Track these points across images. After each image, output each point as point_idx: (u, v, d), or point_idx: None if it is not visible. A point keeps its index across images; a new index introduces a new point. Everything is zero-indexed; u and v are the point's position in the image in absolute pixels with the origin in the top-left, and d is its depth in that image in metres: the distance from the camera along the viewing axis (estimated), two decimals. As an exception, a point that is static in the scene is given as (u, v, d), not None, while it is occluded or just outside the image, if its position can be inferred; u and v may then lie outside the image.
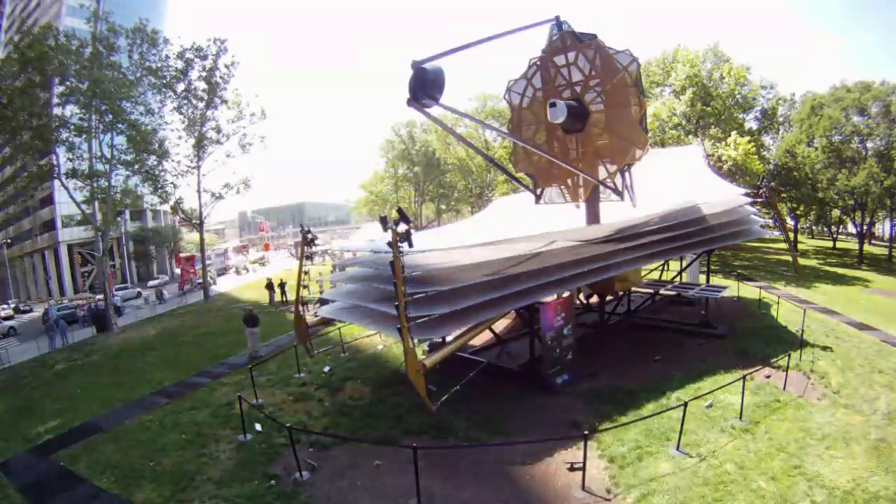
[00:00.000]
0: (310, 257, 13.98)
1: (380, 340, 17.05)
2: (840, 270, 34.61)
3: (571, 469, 8.64)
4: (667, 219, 14.30)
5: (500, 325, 15.92)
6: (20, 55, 21.22)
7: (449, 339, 11.68)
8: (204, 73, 29.62)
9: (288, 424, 9.78)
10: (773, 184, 37.09)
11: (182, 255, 51.76)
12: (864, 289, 27.92)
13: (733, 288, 21.35)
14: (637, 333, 15.57)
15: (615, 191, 14.29)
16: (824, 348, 14.00)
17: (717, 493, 7.70)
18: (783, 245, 40.10)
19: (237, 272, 52.24)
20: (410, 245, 9.04)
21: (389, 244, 8.99)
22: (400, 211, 9.31)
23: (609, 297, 16.44)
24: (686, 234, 14.35)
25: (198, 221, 32.40)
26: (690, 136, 35.90)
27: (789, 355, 11.72)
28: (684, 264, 20.18)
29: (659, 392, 11.21)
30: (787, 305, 19.09)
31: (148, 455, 10.44)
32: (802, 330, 14.95)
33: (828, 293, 25.32)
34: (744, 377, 10.32)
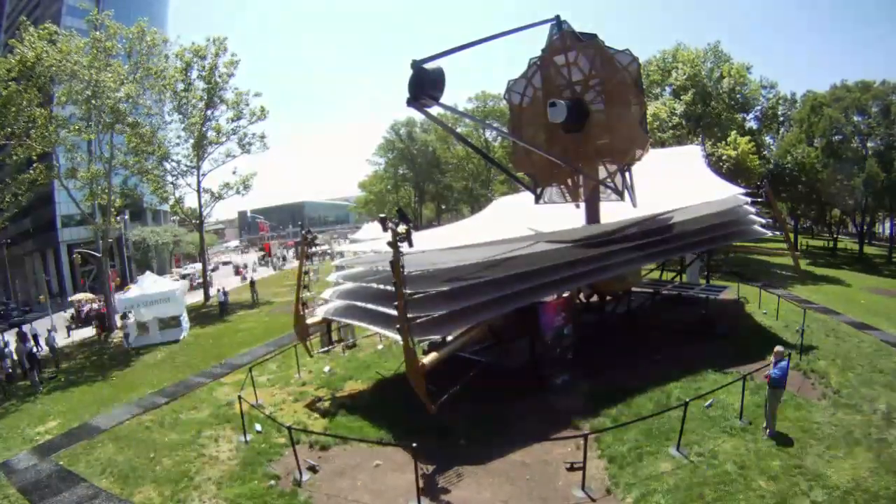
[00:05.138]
0: (309, 257, 13.99)
1: (380, 340, 17.04)
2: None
3: (571, 469, 8.64)
4: (659, 221, 14.28)
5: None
6: (19, 55, 21.21)
7: (449, 339, 11.67)
8: (204, 73, 29.60)
9: (288, 424, 9.79)
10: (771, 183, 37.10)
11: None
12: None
13: (734, 288, 21.38)
14: (637, 333, 15.56)
15: (615, 191, 14.27)
16: (818, 348, 14.00)
17: (717, 493, 7.70)
18: (781, 245, 40.10)
19: None
20: (410, 245, 9.04)
21: (389, 244, 8.99)
22: (400, 211, 9.32)
23: (609, 297, 16.44)
24: (676, 235, 14.32)
25: (197, 221, 32.37)
26: (690, 136, 35.88)
27: (789, 355, 11.70)
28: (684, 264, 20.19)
29: (659, 392, 11.21)
30: (787, 305, 19.09)
31: (148, 455, 10.44)
32: (802, 330, 14.95)
33: (824, 293, 25.30)
34: (744, 377, 10.31)
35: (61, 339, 23.89)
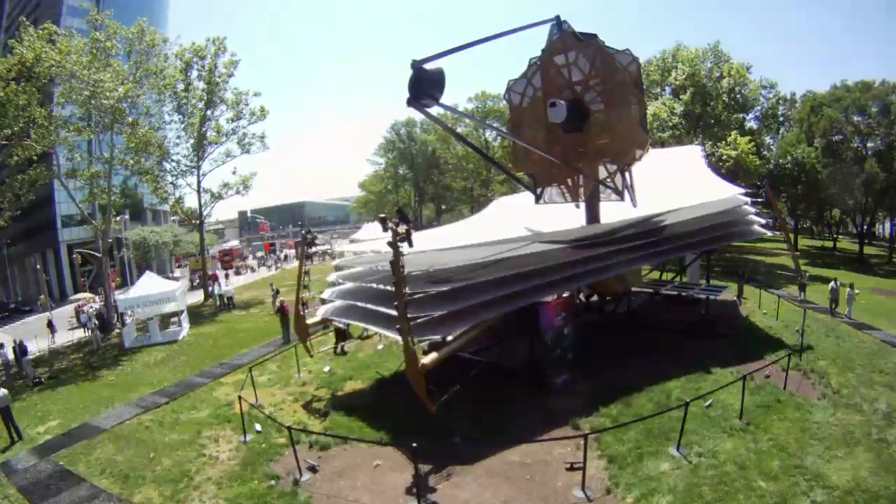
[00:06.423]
0: (309, 257, 14.01)
1: (380, 340, 17.04)
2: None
3: (571, 469, 8.64)
4: (659, 221, 14.26)
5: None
6: (19, 55, 21.20)
7: (449, 339, 11.67)
8: (203, 73, 29.60)
9: (288, 424, 9.79)
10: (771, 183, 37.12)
11: None
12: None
13: (733, 288, 21.37)
14: (637, 333, 15.56)
15: (615, 191, 14.28)
16: (817, 348, 13.99)
17: (717, 493, 7.70)
18: (781, 245, 40.10)
19: None
20: (410, 245, 9.04)
21: (389, 244, 8.99)
22: (400, 211, 9.32)
23: (609, 297, 16.43)
24: (676, 235, 14.30)
25: (197, 221, 32.36)
26: (690, 136, 35.90)
27: (789, 355, 11.72)
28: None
29: (659, 392, 11.21)
30: (787, 305, 19.10)
31: (148, 455, 10.44)
32: (802, 330, 14.95)
33: (824, 293, 25.24)
34: (744, 377, 10.32)
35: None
